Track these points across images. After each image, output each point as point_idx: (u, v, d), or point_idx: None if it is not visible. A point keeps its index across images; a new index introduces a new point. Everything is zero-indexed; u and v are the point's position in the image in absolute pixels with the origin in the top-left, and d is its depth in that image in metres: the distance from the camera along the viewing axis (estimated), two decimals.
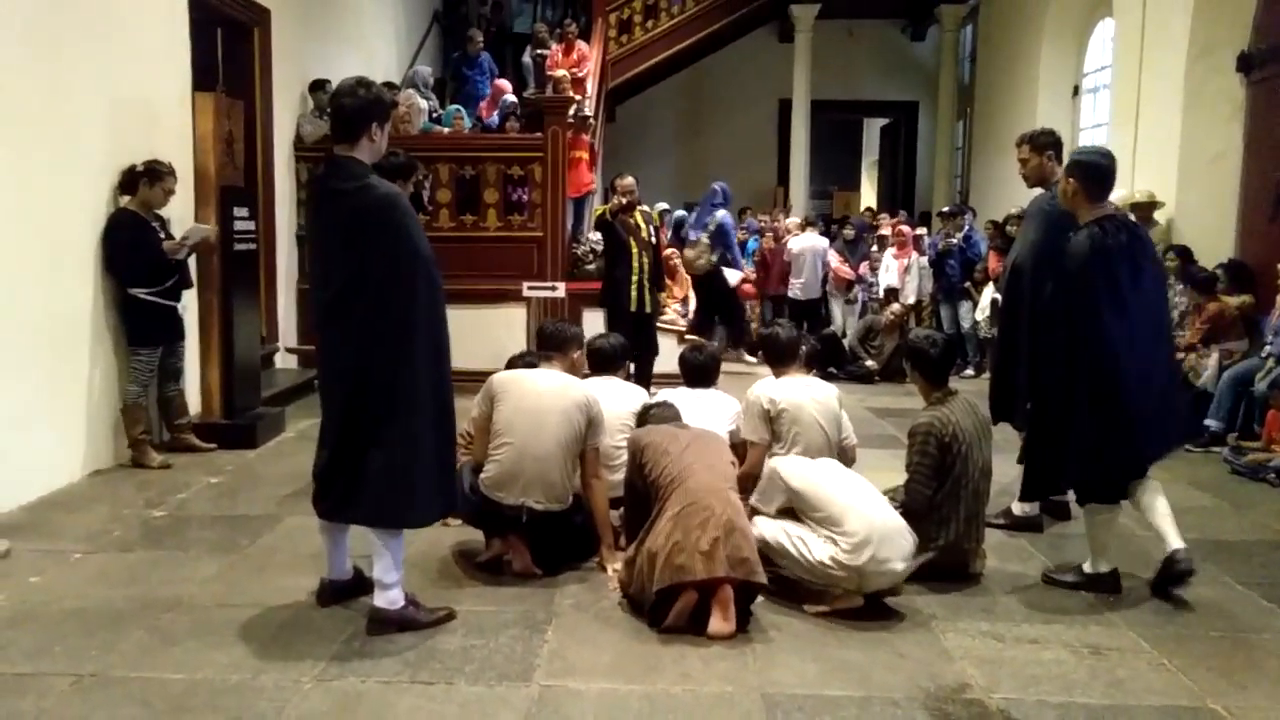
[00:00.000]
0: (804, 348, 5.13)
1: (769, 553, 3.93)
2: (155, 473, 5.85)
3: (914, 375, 4.53)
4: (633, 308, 7.38)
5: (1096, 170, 4.18)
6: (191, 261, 6.33)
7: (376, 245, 3.48)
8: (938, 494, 4.21)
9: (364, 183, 3.51)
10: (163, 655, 3.45)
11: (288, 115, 8.93)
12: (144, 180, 5.95)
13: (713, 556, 3.58)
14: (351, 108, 3.56)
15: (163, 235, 6.04)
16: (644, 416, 4.53)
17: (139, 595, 3.98)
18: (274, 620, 3.76)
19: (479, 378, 4.64)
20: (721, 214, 10.91)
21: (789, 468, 4.14)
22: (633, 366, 7.02)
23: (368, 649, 3.50)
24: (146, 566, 4.33)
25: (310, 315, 3.84)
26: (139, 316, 5.94)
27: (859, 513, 3.85)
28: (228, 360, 6.57)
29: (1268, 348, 7.03)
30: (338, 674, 3.32)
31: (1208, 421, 7.10)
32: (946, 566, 4.25)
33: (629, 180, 7.52)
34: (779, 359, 4.95)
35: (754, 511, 4.18)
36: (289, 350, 8.88)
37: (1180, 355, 7.40)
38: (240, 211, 6.71)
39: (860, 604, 3.85)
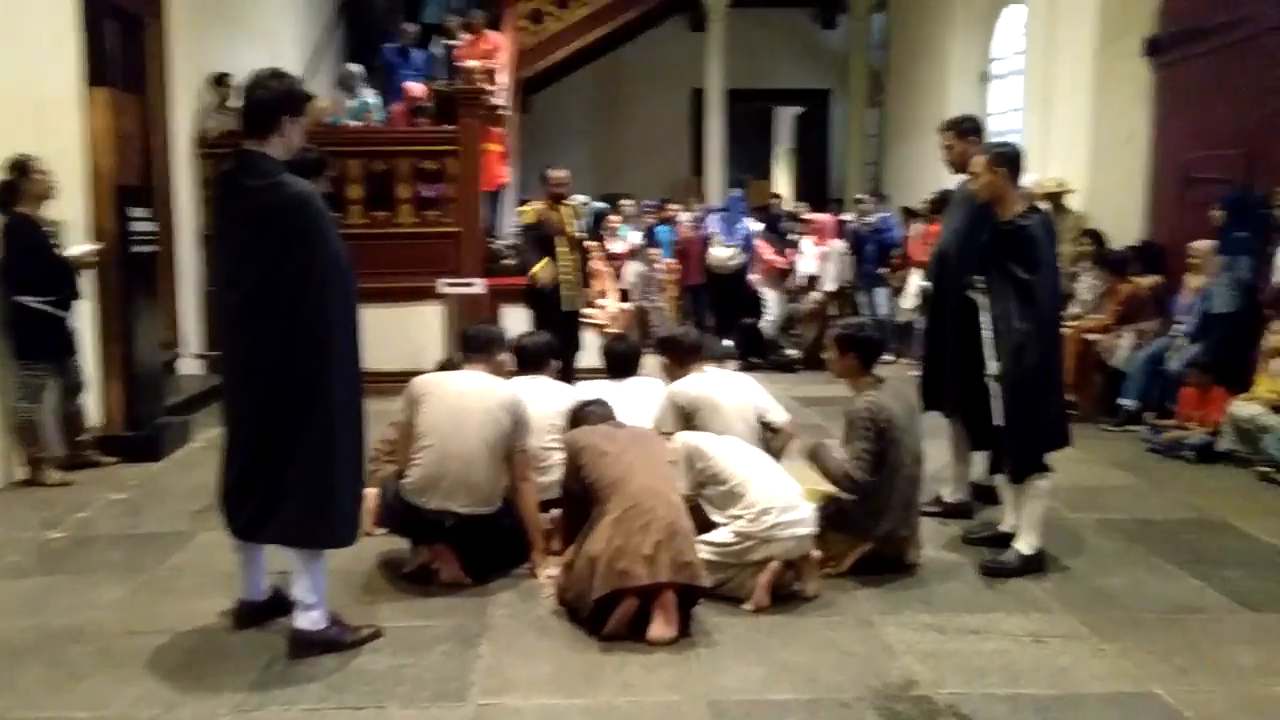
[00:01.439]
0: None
1: None
2: (53, 491, 5.51)
3: (844, 362, 4.45)
4: (563, 307, 7.20)
5: (1018, 158, 4.38)
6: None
7: (288, 246, 3.28)
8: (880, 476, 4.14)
9: (275, 180, 3.30)
10: (67, 692, 3.21)
11: (187, 111, 8.54)
12: (21, 181, 5.55)
13: (655, 561, 3.48)
14: (262, 100, 3.35)
15: (54, 244, 5.68)
16: (578, 415, 4.39)
17: (37, 626, 3.71)
18: (186, 647, 3.54)
19: (396, 379, 4.47)
20: (748, 221, 11.05)
21: (693, 439, 4.12)
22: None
23: (290, 674, 3.31)
24: (45, 593, 4.05)
25: (217, 319, 3.60)
26: (26, 328, 5.57)
27: (759, 484, 3.91)
28: (128, 368, 6.24)
29: (1178, 327, 7.17)
30: (259, 704, 3.12)
31: (1123, 400, 7.23)
32: (885, 557, 4.20)
33: (564, 173, 7.34)
34: (682, 358, 4.88)
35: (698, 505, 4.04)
36: (196, 356, 8.51)
37: (1094, 336, 7.54)
38: (138, 212, 6.37)
39: (781, 568, 3.83)
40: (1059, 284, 4.54)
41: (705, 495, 3.99)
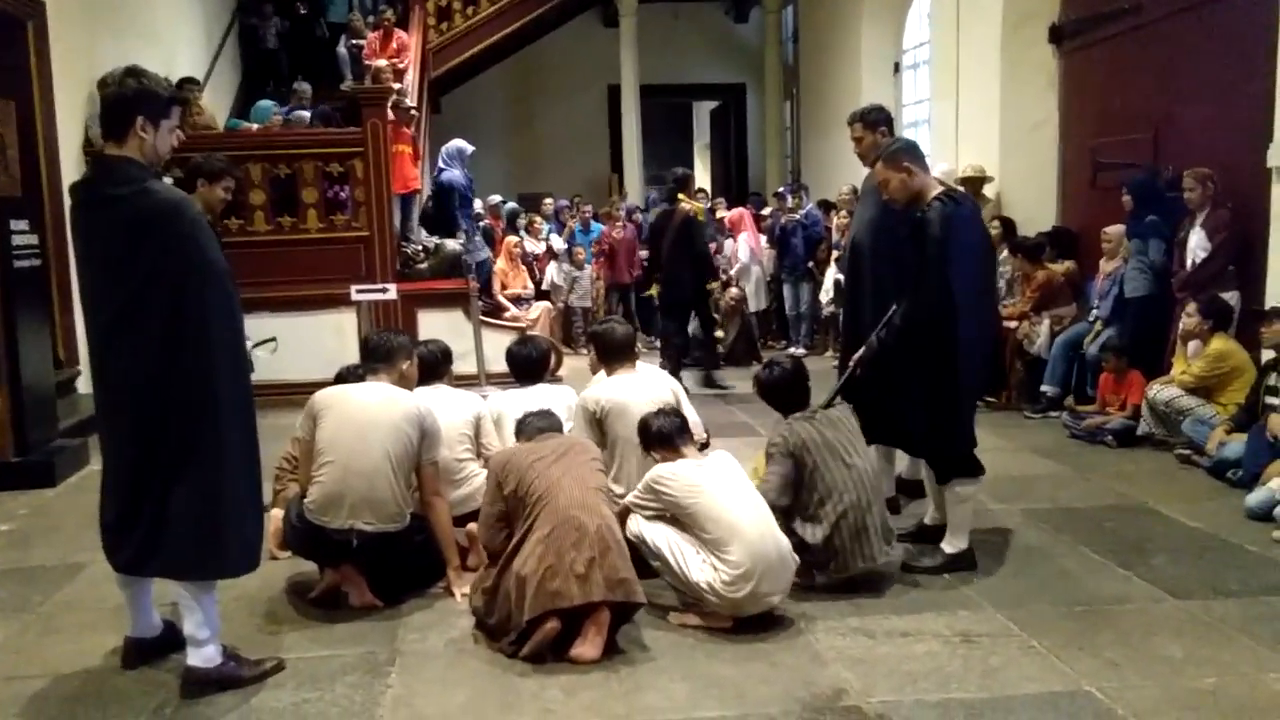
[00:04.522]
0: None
1: (645, 552, 3.66)
2: None
3: (768, 406, 4.33)
4: None
5: (917, 148, 4.31)
6: None
7: (163, 256, 3.02)
8: (814, 515, 3.90)
9: (141, 186, 3.04)
10: None
11: (74, 117, 8.11)
12: None
13: (588, 579, 3.30)
14: (113, 99, 3.08)
15: None
16: (519, 428, 4.08)
17: None
18: (71, 691, 3.28)
19: (309, 389, 4.24)
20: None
21: (671, 479, 3.70)
22: None
23: (183, 716, 3.09)
24: None
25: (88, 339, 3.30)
26: None
27: (744, 540, 3.53)
28: (15, 389, 5.87)
29: (1094, 312, 7.23)
30: None
31: (1044, 387, 7.26)
32: (860, 580, 3.96)
33: None
34: (610, 356, 4.66)
35: (628, 510, 3.81)
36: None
37: (1013, 324, 7.56)
38: (19, 225, 6.00)
39: (729, 626, 3.60)
40: (969, 271, 4.00)
41: (684, 529, 3.67)
